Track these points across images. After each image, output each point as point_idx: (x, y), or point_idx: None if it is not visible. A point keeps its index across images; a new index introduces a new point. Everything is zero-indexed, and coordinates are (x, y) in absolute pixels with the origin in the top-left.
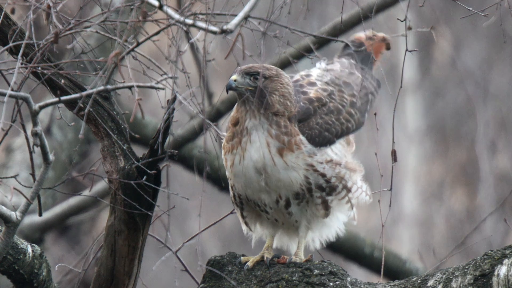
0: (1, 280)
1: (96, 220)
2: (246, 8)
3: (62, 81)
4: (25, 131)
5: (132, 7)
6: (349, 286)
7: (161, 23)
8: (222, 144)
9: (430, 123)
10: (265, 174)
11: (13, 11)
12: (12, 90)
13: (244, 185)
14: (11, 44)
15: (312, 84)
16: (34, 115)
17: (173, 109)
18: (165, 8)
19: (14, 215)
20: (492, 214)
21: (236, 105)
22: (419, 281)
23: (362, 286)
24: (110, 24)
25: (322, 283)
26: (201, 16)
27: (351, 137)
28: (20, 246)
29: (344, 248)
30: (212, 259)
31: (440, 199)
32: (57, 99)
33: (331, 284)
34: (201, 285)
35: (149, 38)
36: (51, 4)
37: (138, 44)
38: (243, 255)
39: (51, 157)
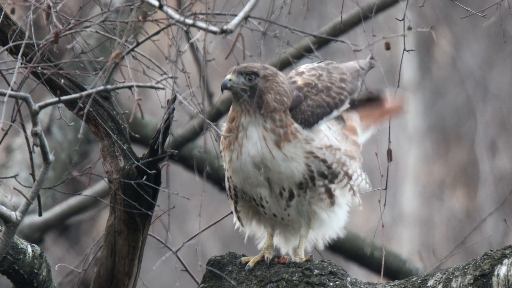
0: (1, 280)
1: (96, 220)
2: (246, 8)
3: (62, 81)
4: (25, 131)
5: (132, 7)
6: (349, 286)
7: (161, 23)
8: (221, 140)
9: (430, 123)
10: (264, 169)
11: (13, 11)
12: (12, 90)
13: (242, 180)
14: (11, 44)
15: (300, 73)
16: (34, 115)
17: (173, 109)
18: (165, 8)
19: (14, 215)
20: (492, 214)
21: (232, 103)
22: (419, 281)
23: (362, 286)
24: (110, 24)
25: (322, 283)
26: (201, 16)
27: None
28: (20, 246)
29: (344, 248)
30: (212, 259)
31: (440, 199)
32: (57, 99)
33: (331, 284)
34: (201, 285)
35: (149, 38)
36: (51, 4)
37: (138, 44)
38: (243, 255)
39: (51, 157)
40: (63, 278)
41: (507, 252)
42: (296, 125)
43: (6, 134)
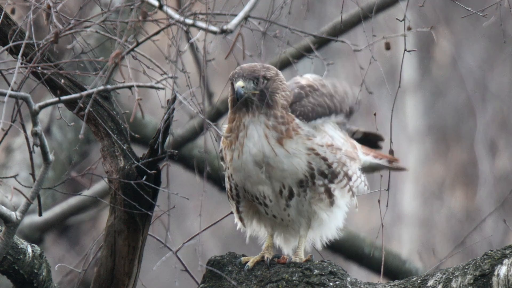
0: (1, 280)
1: (96, 220)
2: (246, 8)
3: (62, 81)
4: (25, 131)
5: (132, 7)
6: (349, 286)
7: (161, 23)
8: (222, 139)
9: (430, 123)
10: (266, 167)
11: (13, 11)
12: (12, 90)
13: (243, 178)
14: (11, 44)
15: (305, 78)
16: (34, 115)
17: (173, 109)
18: (165, 8)
19: (14, 215)
20: (492, 214)
21: (230, 106)
22: (419, 281)
23: (362, 286)
24: (110, 24)
25: (322, 283)
26: (201, 16)
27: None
28: (20, 246)
29: (344, 248)
30: (212, 259)
31: (440, 199)
32: (57, 99)
33: (331, 284)
34: (201, 285)
35: (149, 38)
36: (51, 4)
37: (138, 44)
38: (243, 255)
39: (51, 157)
40: (63, 278)
41: (507, 252)
42: (297, 120)
43: (6, 134)
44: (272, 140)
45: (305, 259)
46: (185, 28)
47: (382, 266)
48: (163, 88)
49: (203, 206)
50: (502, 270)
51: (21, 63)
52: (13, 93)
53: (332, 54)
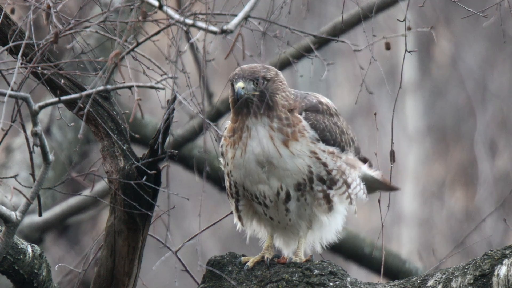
0: (1, 280)
1: (96, 220)
2: (246, 8)
3: (62, 81)
4: (25, 131)
5: (132, 7)
6: (349, 286)
7: (161, 23)
8: (223, 137)
9: (430, 123)
10: (269, 167)
11: (13, 11)
12: (12, 90)
13: (243, 176)
14: (11, 44)
15: (322, 97)
16: (34, 115)
17: (173, 109)
18: (165, 8)
19: (14, 215)
20: (492, 214)
21: (232, 106)
22: (419, 281)
23: (362, 286)
24: (110, 24)
25: (322, 283)
26: (201, 16)
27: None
28: (20, 246)
29: (344, 248)
30: (212, 259)
31: (440, 199)
32: (57, 99)
33: (331, 284)
34: (201, 285)
35: (149, 38)
36: (51, 4)
37: (138, 44)
38: (243, 255)
39: (51, 157)
40: (63, 278)
41: (507, 252)
42: (304, 122)
43: (6, 134)
44: (278, 141)
45: (305, 259)
46: (185, 28)
47: (382, 266)
48: (163, 88)
49: (203, 206)
50: (502, 270)
51: (21, 63)
52: (13, 93)
53: (332, 54)
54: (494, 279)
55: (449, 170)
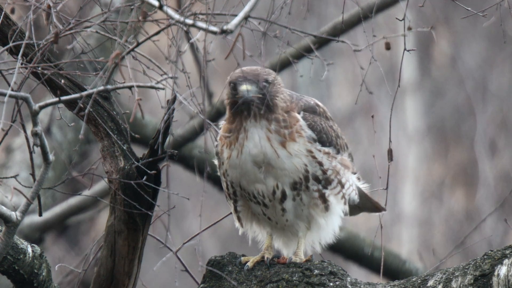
0: (1, 280)
1: (95, 220)
2: (246, 8)
3: (62, 81)
4: (25, 131)
5: (132, 7)
6: (349, 286)
7: (161, 23)
8: (219, 137)
9: (430, 123)
10: (266, 167)
11: (13, 11)
12: (12, 90)
13: (239, 175)
14: (11, 44)
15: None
16: (34, 115)
17: (173, 109)
18: (165, 8)
19: (14, 215)
20: (492, 214)
21: (229, 108)
22: (419, 281)
23: (362, 286)
24: (110, 24)
25: (322, 283)
26: (201, 16)
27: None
28: (20, 246)
29: (344, 248)
30: (212, 259)
31: (439, 199)
32: (57, 99)
33: (331, 284)
34: (201, 285)
35: (149, 38)
36: (51, 4)
37: (138, 44)
38: (243, 255)
39: (51, 157)
40: (63, 278)
41: (507, 252)
42: (302, 122)
43: (6, 134)
44: (275, 143)
45: (305, 259)
46: (185, 28)
47: (382, 266)
48: (163, 88)
49: (203, 206)
50: (502, 270)
51: (21, 63)
52: (13, 93)
53: (332, 54)
54: (494, 279)
55: (449, 170)
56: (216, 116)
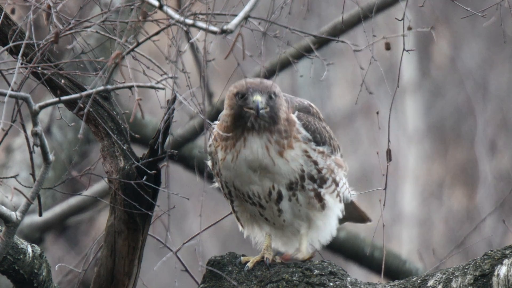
0: (1, 280)
1: (95, 220)
2: (246, 8)
3: (62, 81)
4: (25, 131)
5: (132, 7)
6: (349, 286)
7: (161, 23)
8: (213, 136)
9: (429, 123)
10: (262, 172)
11: (13, 11)
12: (12, 90)
13: (233, 176)
14: (11, 44)
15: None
16: (34, 115)
17: (173, 109)
18: (165, 8)
19: (14, 215)
20: (491, 214)
21: (231, 120)
22: (419, 281)
23: (362, 286)
24: (110, 24)
25: (322, 283)
26: (201, 16)
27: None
28: (20, 246)
29: (344, 248)
30: (212, 259)
31: (439, 199)
32: (57, 99)
33: (331, 284)
34: (201, 285)
35: (149, 38)
36: (51, 4)
37: (138, 44)
38: (243, 255)
39: (51, 157)
40: (63, 278)
41: (507, 252)
42: (298, 123)
43: (6, 134)
44: (273, 152)
45: (308, 256)
46: (185, 28)
47: (383, 266)
48: (163, 88)
49: (203, 206)
50: (502, 270)
51: (21, 63)
52: (13, 93)
53: (332, 54)
54: (494, 279)
55: (449, 170)
56: (216, 116)
